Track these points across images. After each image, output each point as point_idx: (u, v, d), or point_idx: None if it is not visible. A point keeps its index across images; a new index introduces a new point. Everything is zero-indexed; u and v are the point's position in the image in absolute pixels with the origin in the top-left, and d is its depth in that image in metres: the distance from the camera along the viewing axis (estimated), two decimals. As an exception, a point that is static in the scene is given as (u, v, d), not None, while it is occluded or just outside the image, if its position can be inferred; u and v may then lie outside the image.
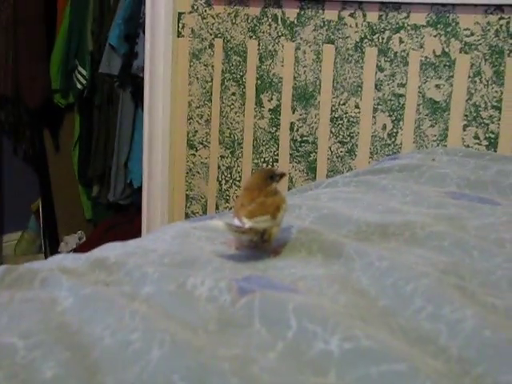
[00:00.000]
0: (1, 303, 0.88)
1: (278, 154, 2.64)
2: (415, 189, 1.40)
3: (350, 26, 2.42)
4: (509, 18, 2.18)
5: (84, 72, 3.42)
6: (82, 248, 3.56)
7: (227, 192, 2.78)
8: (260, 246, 1.06)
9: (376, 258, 1.03)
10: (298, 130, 2.58)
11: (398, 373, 0.75)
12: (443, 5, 2.26)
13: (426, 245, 1.12)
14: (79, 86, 3.44)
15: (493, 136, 2.24)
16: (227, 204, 2.78)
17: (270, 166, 2.64)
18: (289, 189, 2.46)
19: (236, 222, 1.04)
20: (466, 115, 2.28)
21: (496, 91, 2.22)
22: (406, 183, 1.43)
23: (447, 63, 2.28)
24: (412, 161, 1.59)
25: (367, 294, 0.96)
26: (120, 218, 3.61)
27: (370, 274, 1.00)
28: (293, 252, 1.09)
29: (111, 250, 1.11)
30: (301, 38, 2.53)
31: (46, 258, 3.65)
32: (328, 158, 2.54)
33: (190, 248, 1.09)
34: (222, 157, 2.77)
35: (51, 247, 3.74)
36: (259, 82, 2.64)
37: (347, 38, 2.43)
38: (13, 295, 0.90)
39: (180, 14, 2.77)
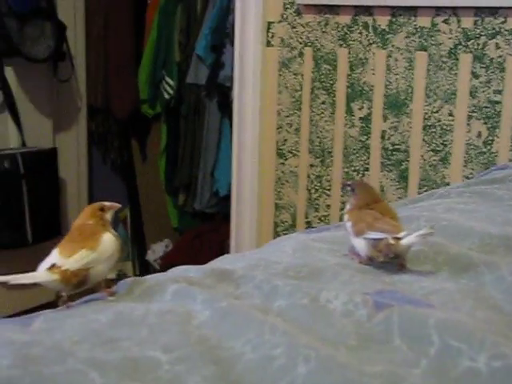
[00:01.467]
0: (138, 315, 0.88)
1: (368, 163, 2.61)
2: (532, 199, 1.36)
3: (444, 33, 2.38)
4: None
5: (171, 82, 3.45)
6: (168, 256, 3.59)
7: (317, 201, 2.76)
8: (391, 261, 1.04)
9: (508, 273, 1.00)
10: (389, 139, 2.55)
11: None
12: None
13: (556, 258, 1.09)
14: (166, 96, 3.47)
15: None
16: (316, 213, 2.76)
17: (361, 176, 2.62)
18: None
19: (373, 235, 1.03)
20: None
21: None
22: (523, 193, 1.39)
23: (545, 69, 2.23)
24: (524, 170, 1.55)
25: (501, 309, 0.93)
26: (206, 227, 3.63)
27: (502, 289, 0.97)
28: (418, 265, 1.07)
29: (233, 263, 1.10)
30: (392, 46, 2.49)
31: (133, 265, 3.70)
32: (420, 167, 2.49)
33: (314, 260, 1.07)
34: (311, 165, 2.75)
35: (139, 255, 3.79)
36: (350, 90, 2.61)
37: (441, 44, 2.39)
38: (148, 308, 0.90)
39: (269, 23, 2.76)
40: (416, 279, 1.01)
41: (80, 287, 1.00)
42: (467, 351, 0.78)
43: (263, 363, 0.78)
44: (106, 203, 1.09)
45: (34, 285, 1.00)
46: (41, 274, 0.99)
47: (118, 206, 1.11)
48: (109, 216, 1.08)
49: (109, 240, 1.04)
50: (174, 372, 0.77)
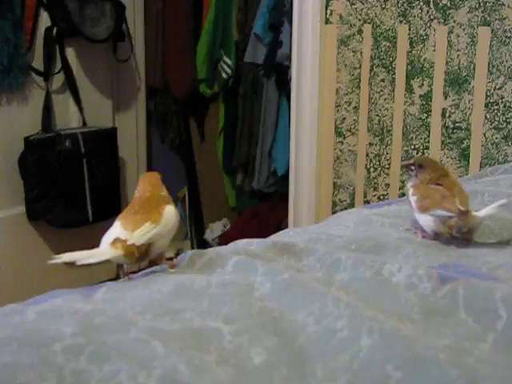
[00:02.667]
0: (200, 287, 0.88)
1: (428, 141, 2.56)
2: None
3: (509, 7, 2.31)
4: None
5: (229, 62, 3.44)
6: (227, 235, 3.60)
7: (375, 180, 2.73)
8: (459, 235, 1.02)
9: None
10: (450, 117, 2.50)
11: None
12: None
13: None
14: (224, 75, 3.46)
15: None
16: (375, 192, 2.73)
17: (420, 154, 2.57)
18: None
19: (443, 212, 1.01)
20: None
21: None
22: None
23: None
24: None
25: None
26: (264, 206, 3.62)
27: None
28: (483, 239, 1.04)
29: (294, 236, 1.09)
30: (454, 21, 2.44)
31: (191, 244, 3.72)
32: (482, 145, 2.44)
33: (376, 234, 1.06)
34: (370, 144, 2.72)
35: (197, 234, 3.81)
36: (409, 67, 2.57)
37: (505, 19, 2.33)
38: (210, 279, 0.90)
39: (328, 0, 2.73)
40: (481, 253, 0.99)
41: (142, 260, 1.01)
42: (537, 326, 0.76)
43: (326, 335, 0.77)
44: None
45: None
46: (105, 250, 0.99)
47: None
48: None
49: (170, 213, 1.03)
50: (237, 343, 0.76)
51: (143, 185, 1.07)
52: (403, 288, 0.87)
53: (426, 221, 1.04)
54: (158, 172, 1.11)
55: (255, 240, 1.07)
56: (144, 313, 0.82)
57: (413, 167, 1.13)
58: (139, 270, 1.03)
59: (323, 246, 1.00)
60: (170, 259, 1.04)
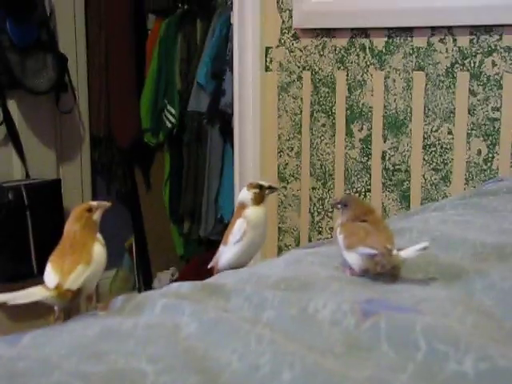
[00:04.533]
0: (126, 329, 0.88)
1: (370, 184, 2.61)
2: (527, 210, 1.36)
3: (440, 52, 2.39)
4: None
5: (173, 111, 3.47)
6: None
7: (320, 223, 2.76)
8: (384, 272, 1.04)
9: (498, 279, 0.99)
10: (389, 159, 2.55)
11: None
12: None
13: (547, 265, 1.08)
14: (169, 124, 3.49)
15: None
16: (320, 236, 2.76)
17: (362, 197, 2.61)
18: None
19: (366, 250, 1.03)
20: None
21: None
22: (517, 204, 1.39)
23: (542, 85, 2.23)
24: (520, 182, 1.55)
25: (492, 315, 0.93)
26: (212, 254, 3.60)
27: (493, 295, 0.97)
28: (410, 275, 1.06)
29: (225, 278, 1.11)
30: (390, 67, 2.50)
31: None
32: (422, 186, 2.49)
33: (305, 273, 1.07)
34: (313, 188, 2.75)
35: (145, 284, 3.78)
36: (349, 112, 2.62)
37: (437, 63, 2.40)
38: (136, 321, 0.91)
39: (267, 48, 2.78)
40: (407, 288, 1.01)
41: (74, 300, 1.01)
42: (454, 354, 0.78)
43: (249, 372, 0.77)
44: (94, 203, 1.09)
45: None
46: (37, 291, 1.00)
47: (107, 204, 1.11)
48: (97, 216, 1.08)
49: (100, 252, 1.04)
50: (159, 382, 0.77)
51: (71, 217, 1.07)
52: (327, 324, 0.88)
53: (353, 258, 1.06)
54: (89, 203, 1.11)
55: (186, 283, 1.08)
56: (69, 356, 0.82)
57: (339, 206, 1.16)
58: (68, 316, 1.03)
59: (252, 286, 1.01)
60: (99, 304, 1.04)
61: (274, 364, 0.77)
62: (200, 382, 0.76)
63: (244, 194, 1.38)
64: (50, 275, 1.01)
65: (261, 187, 1.36)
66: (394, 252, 1.02)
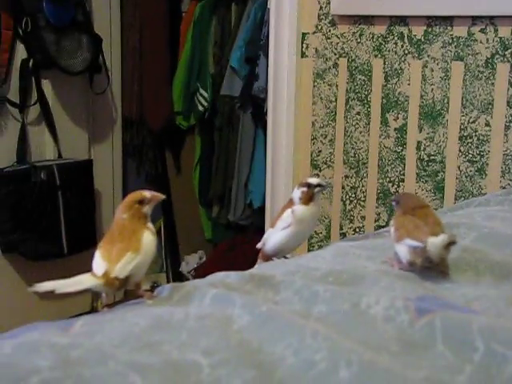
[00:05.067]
0: (177, 319, 0.88)
1: (403, 174, 2.59)
2: None
3: (481, 42, 2.36)
4: None
5: (205, 94, 3.46)
6: (202, 268, 3.59)
7: (351, 212, 2.74)
8: (431, 267, 1.03)
9: (551, 279, 0.98)
10: (425, 149, 2.52)
11: None
12: None
13: None
14: (201, 108, 3.48)
15: None
16: (351, 224, 2.74)
17: (395, 186, 2.60)
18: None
19: (412, 242, 1.02)
20: None
21: None
22: None
23: None
24: None
25: (547, 316, 0.92)
26: (239, 239, 3.62)
27: (546, 295, 0.96)
28: (459, 272, 1.05)
29: (271, 269, 1.10)
30: (428, 56, 2.48)
31: (167, 277, 3.70)
32: (457, 178, 2.47)
33: (353, 266, 1.06)
34: (346, 177, 2.74)
35: (172, 266, 3.79)
36: (384, 100, 2.60)
37: (477, 54, 2.37)
38: (187, 312, 0.90)
39: (304, 34, 2.76)
40: (458, 286, 1.00)
41: (122, 289, 1.00)
42: (513, 357, 0.77)
43: (305, 367, 0.77)
44: (147, 194, 1.07)
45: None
46: (85, 279, 0.99)
47: (161, 196, 1.09)
48: (148, 209, 1.06)
49: (149, 240, 1.03)
50: (215, 375, 0.76)
51: (122, 206, 1.06)
52: (381, 320, 0.87)
53: (401, 251, 1.06)
54: (143, 190, 1.09)
55: (232, 273, 1.07)
56: (122, 346, 0.82)
57: (393, 202, 1.15)
58: (115, 302, 1.03)
59: (301, 279, 1.00)
60: (146, 292, 1.04)
61: (331, 360, 0.76)
62: (256, 377, 0.76)
63: (294, 193, 1.42)
64: (98, 262, 1.00)
65: (309, 186, 1.37)
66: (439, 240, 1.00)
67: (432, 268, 1.03)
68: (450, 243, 1.00)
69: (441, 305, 0.89)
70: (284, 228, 1.41)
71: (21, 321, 0.98)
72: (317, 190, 1.39)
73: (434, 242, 1.00)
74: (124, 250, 1.00)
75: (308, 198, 1.39)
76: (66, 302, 3.06)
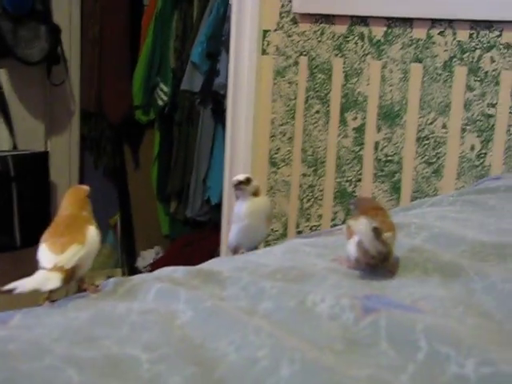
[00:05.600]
0: (119, 314, 0.86)
1: (361, 174, 2.59)
2: (525, 210, 1.35)
3: (439, 45, 2.37)
4: None
5: (165, 89, 3.43)
6: (158, 263, 3.56)
7: (308, 211, 2.74)
8: (380, 263, 1.02)
9: (499, 280, 0.98)
10: (382, 150, 2.53)
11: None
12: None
13: (547, 268, 1.07)
14: (160, 102, 3.45)
15: None
16: (308, 223, 2.74)
17: (353, 186, 2.60)
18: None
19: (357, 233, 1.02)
20: (558, 137, 2.20)
21: None
22: (515, 204, 1.38)
23: (540, 83, 2.22)
24: (517, 181, 1.53)
25: (493, 317, 0.92)
26: (197, 235, 3.60)
27: (493, 296, 0.96)
28: (407, 271, 1.05)
29: (220, 265, 1.08)
30: (387, 57, 2.48)
31: (123, 272, 3.67)
32: (413, 179, 2.48)
33: (303, 264, 1.06)
34: (303, 175, 2.73)
35: (128, 262, 3.76)
36: (344, 100, 2.60)
37: (436, 56, 2.38)
38: (130, 306, 0.88)
39: (265, 31, 2.75)
40: (405, 285, 0.99)
41: (68, 282, 0.98)
42: (455, 357, 0.76)
43: (246, 364, 0.76)
44: (87, 187, 1.08)
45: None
46: (46, 277, 0.96)
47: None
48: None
49: (94, 234, 1.02)
50: (155, 371, 0.75)
51: (66, 202, 1.05)
52: (326, 318, 0.86)
53: (349, 248, 1.05)
54: (87, 186, 1.09)
55: (180, 267, 1.05)
56: (60, 339, 0.80)
57: (352, 206, 1.16)
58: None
59: (248, 275, 0.99)
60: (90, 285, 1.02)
61: (273, 358, 0.75)
62: (196, 373, 0.74)
63: None
64: (46, 255, 0.98)
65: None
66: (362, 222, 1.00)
67: (380, 267, 1.03)
68: (375, 229, 0.99)
69: (386, 304, 0.89)
70: (233, 222, 1.50)
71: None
72: (235, 188, 1.46)
73: (359, 227, 1.00)
74: (70, 242, 0.99)
75: (236, 195, 1.48)
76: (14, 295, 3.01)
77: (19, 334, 0.81)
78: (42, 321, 0.86)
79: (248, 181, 1.44)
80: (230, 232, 1.51)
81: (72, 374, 0.72)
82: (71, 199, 1.05)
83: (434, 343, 0.79)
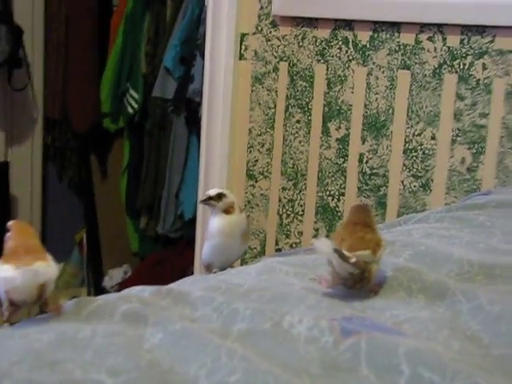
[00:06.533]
0: (83, 337, 0.87)
1: (344, 187, 2.61)
2: (517, 227, 1.36)
3: (428, 51, 2.39)
4: None
5: (136, 95, 3.44)
6: (127, 283, 3.56)
7: (288, 227, 2.75)
8: (357, 284, 1.03)
9: (486, 302, 0.99)
10: (367, 162, 2.55)
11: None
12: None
13: (538, 289, 1.09)
14: (130, 110, 3.46)
15: None
16: (288, 240, 2.75)
17: (336, 200, 2.61)
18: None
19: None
20: (553, 150, 2.23)
21: None
22: (506, 220, 1.39)
23: (534, 93, 2.25)
24: (508, 196, 1.55)
25: (479, 340, 0.93)
26: (169, 253, 3.60)
27: (480, 319, 0.97)
28: (391, 291, 1.06)
29: (192, 284, 1.09)
30: (373, 63, 2.50)
31: (88, 292, 3.66)
32: (400, 193, 2.50)
33: (280, 283, 1.06)
34: (283, 189, 2.75)
35: (94, 281, 3.75)
36: (326, 109, 2.62)
37: (424, 63, 2.41)
38: (95, 329, 0.89)
39: (243, 35, 2.77)
40: (388, 306, 1.00)
41: (37, 303, 1.00)
42: (440, 382, 0.78)
43: (218, 390, 0.77)
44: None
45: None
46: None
47: None
48: None
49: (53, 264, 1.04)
50: (121, 398, 0.75)
51: (24, 235, 1.07)
52: (303, 341, 0.87)
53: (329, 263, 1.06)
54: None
55: (149, 287, 1.06)
56: (20, 363, 0.80)
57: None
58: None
59: (221, 295, 1.00)
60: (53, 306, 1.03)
61: (246, 383, 0.76)
62: (164, 399, 0.75)
63: None
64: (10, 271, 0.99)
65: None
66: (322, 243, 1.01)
67: (359, 287, 1.04)
68: (336, 250, 1.01)
69: (367, 326, 0.90)
70: (206, 239, 1.52)
71: None
72: (204, 203, 1.48)
73: (321, 248, 1.01)
74: (34, 259, 1.00)
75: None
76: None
77: (-25, 358, 0.82)
78: (2, 343, 0.86)
79: (219, 197, 1.45)
80: (204, 249, 1.52)
81: (32, 401, 0.73)
82: (23, 231, 1.07)
83: (417, 367, 0.80)
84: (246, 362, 0.80)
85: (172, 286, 1.11)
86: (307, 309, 0.96)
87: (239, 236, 1.49)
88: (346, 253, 1.01)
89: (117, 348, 0.84)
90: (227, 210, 1.46)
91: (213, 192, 1.47)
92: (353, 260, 1.00)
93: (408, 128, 2.46)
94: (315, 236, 2.68)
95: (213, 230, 1.48)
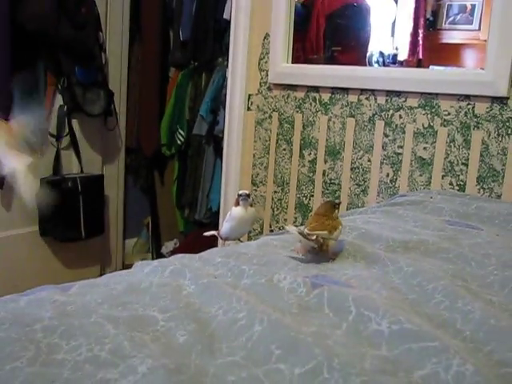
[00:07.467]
0: (144, 287, 0.83)
1: (313, 191, 2.57)
2: (422, 217, 1.32)
3: (366, 106, 2.36)
4: (474, 103, 2.10)
5: (182, 133, 3.40)
6: (176, 250, 3.52)
7: (277, 216, 2.71)
8: (320, 253, 1.00)
9: (404, 264, 0.96)
10: (328, 175, 2.51)
11: (433, 347, 0.68)
12: (430, 93, 2.19)
13: (437, 256, 1.05)
14: (179, 142, 3.42)
15: (462, 183, 2.15)
16: (277, 224, 2.71)
17: (308, 200, 2.57)
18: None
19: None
20: (444, 169, 2.19)
21: (464, 153, 2.14)
22: (415, 213, 1.36)
23: (432, 133, 2.20)
24: (417, 198, 1.51)
25: (399, 290, 0.89)
26: (202, 232, 3.55)
27: (400, 276, 0.93)
28: (343, 259, 1.03)
29: (215, 253, 1.06)
30: (332, 113, 2.47)
31: (152, 256, 3.62)
32: (348, 196, 2.46)
33: (271, 253, 1.03)
34: (274, 192, 2.71)
35: (156, 249, 3.71)
36: (302, 142, 2.58)
37: (364, 113, 2.37)
38: (152, 281, 0.85)
39: (250, 95, 2.73)
40: (341, 268, 0.97)
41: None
42: (374, 318, 0.74)
43: (230, 323, 0.73)
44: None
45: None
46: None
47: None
48: None
49: None
50: (167, 327, 0.72)
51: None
52: (286, 291, 0.84)
53: (302, 240, 1.02)
54: None
55: (188, 255, 1.03)
56: (103, 303, 0.77)
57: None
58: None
59: (233, 260, 0.97)
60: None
61: (249, 319, 0.73)
62: (195, 328, 0.72)
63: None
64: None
65: (238, 195, 1.42)
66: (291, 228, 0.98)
67: (322, 255, 1.00)
68: (300, 233, 0.98)
69: (328, 281, 0.86)
70: (227, 221, 1.46)
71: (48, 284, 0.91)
72: (241, 198, 1.40)
73: (289, 230, 0.98)
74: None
75: (236, 203, 1.43)
76: (80, 271, 2.98)
77: (75, 300, 0.78)
78: (92, 290, 0.83)
79: (249, 195, 1.41)
80: (223, 227, 1.48)
81: (109, 328, 0.69)
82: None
83: (361, 309, 0.77)
84: (248, 304, 0.76)
85: (202, 254, 1.07)
86: (289, 270, 0.93)
87: (250, 222, 1.45)
88: (308, 232, 0.97)
89: (165, 294, 0.81)
90: (251, 204, 1.41)
91: (247, 191, 1.43)
92: (313, 237, 0.96)
93: (353, 154, 2.42)
94: (294, 222, 2.64)
95: (236, 215, 1.41)
